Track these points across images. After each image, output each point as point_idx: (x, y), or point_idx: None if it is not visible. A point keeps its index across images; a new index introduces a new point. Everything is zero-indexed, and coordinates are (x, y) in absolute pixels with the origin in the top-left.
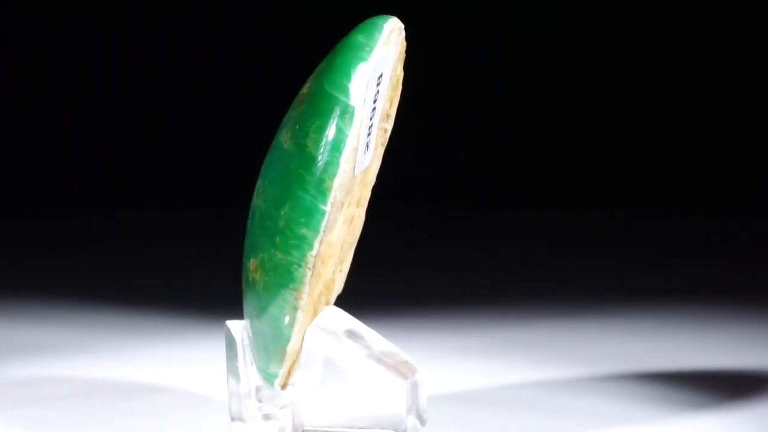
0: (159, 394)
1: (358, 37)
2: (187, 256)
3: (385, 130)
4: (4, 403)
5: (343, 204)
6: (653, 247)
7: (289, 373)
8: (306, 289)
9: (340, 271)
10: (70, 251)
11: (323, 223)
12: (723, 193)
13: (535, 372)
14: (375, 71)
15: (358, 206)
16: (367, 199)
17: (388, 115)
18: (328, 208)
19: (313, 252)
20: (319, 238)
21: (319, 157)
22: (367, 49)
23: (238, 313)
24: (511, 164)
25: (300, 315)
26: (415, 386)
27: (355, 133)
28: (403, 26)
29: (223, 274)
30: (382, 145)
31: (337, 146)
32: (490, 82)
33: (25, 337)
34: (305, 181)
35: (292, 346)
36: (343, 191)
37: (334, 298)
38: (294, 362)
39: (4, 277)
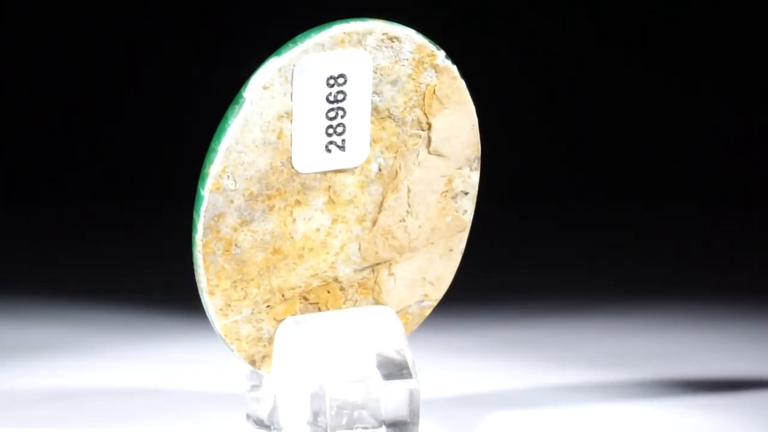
0: (159, 395)
1: (298, 36)
2: (188, 255)
3: (418, 135)
4: (3, 403)
5: (269, 198)
6: (654, 246)
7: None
8: (201, 272)
9: (390, 274)
10: (70, 250)
11: (203, 208)
12: (723, 191)
13: (535, 371)
14: (315, 72)
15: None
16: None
17: (419, 122)
18: (205, 193)
19: (198, 236)
20: (201, 223)
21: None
22: (291, 46)
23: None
24: (508, 160)
25: (206, 297)
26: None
27: (243, 124)
28: (405, 31)
29: None
30: (409, 148)
31: (218, 135)
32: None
33: (25, 337)
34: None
35: (218, 328)
36: (257, 183)
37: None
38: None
39: (3, 276)
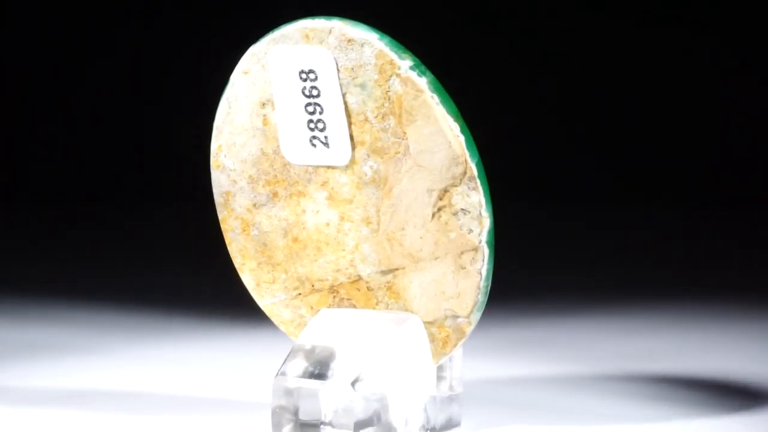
0: (159, 394)
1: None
2: (188, 255)
3: (398, 143)
4: (3, 403)
5: (269, 183)
6: (655, 246)
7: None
8: (229, 248)
9: (410, 282)
10: (70, 251)
11: (213, 185)
12: (723, 191)
13: (536, 371)
14: (286, 64)
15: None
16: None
17: (395, 130)
18: (211, 169)
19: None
20: (215, 199)
21: None
22: (265, 35)
23: (239, 313)
24: (508, 161)
25: (243, 276)
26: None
27: (228, 105)
28: (365, 34)
29: (224, 274)
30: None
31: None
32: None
33: (25, 337)
34: None
35: (261, 307)
36: (252, 167)
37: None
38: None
39: (3, 276)
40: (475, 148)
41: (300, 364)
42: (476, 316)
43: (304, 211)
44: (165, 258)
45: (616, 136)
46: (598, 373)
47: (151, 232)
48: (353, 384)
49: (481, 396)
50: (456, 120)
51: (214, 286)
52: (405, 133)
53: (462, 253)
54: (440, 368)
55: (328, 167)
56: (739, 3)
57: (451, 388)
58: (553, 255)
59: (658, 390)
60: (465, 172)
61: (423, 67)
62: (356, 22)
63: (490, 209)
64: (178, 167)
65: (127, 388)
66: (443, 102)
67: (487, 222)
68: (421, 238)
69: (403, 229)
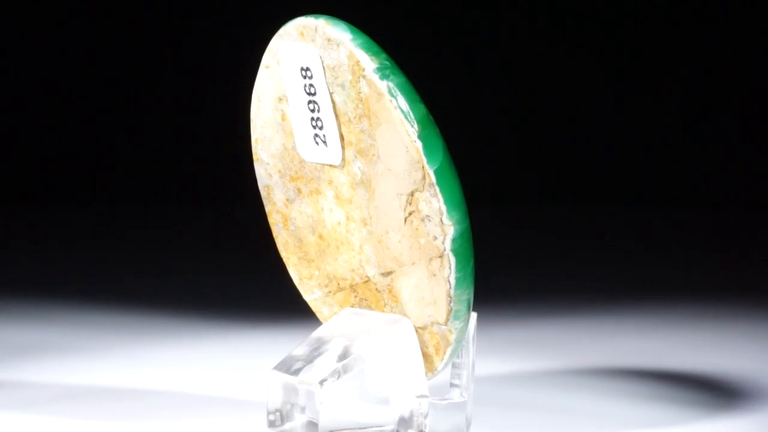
0: (159, 395)
1: None
2: (188, 255)
3: (372, 145)
4: (4, 403)
5: (293, 179)
6: (655, 245)
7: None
8: (278, 245)
9: (400, 285)
10: (71, 251)
11: (257, 180)
12: (723, 191)
13: (535, 371)
14: (291, 60)
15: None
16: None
17: (369, 132)
18: (254, 162)
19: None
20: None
21: None
22: (277, 32)
23: (238, 313)
24: (504, 161)
25: (288, 270)
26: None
27: (257, 98)
28: (341, 34)
29: (224, 274)
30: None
31: None
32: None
33: (25, 337)
34: None
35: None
36: (280, 162)
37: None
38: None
39: (3, 276)
40: (438, 154)
41: (290, 362)
42: (456, 324)
43: (322, 209)
44: (165, 258)
45: (616, 137)
46: (598, 373)
47: (150, 232)
48: (321, 383)
49: (481, 396)
50: (418, 124)
51: (216, 286)
52: (374, 135)
53: (431, 259)
54: (452, 375)
55: (331, 166)
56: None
57: (461, 395)
58: (553, 255)
59: (657, 390)
60: (424, 178)
61: (388, 70)
62: (338, 21)
63: (458, 216)
64: (181, 169)
65: (127, 388)
66: (402, 106)
67: (450, 230)
68: (399, 242)
69: (387, 232)
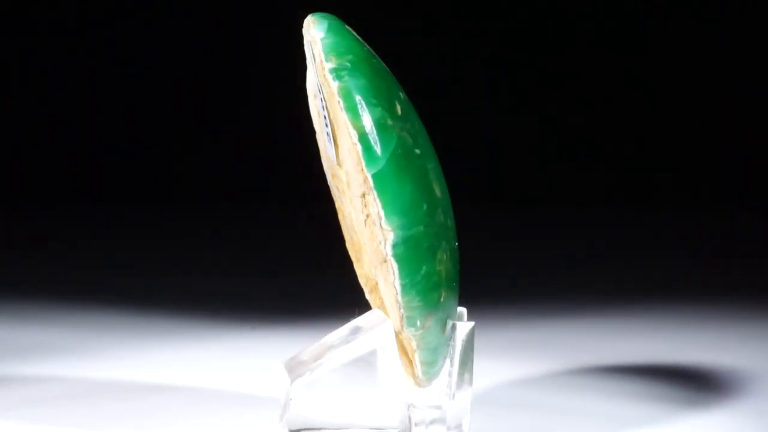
0: (159, 395)
1: None
2: (188, 255)
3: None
4: (5, 403)
5: (333, 176)
6: (656, 246)
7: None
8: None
9: (380, 290)
10: (71, 251)
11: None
12: (724, 191)
13: (534, 371)
14: (310, 61)
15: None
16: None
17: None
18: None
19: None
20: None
21: None
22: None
23: (238, 313)
24: (506, 163)
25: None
26: None
27: (311, 96)
28: (316, 33)
29: (224, 274)
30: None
31: None
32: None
33: (25, 337)
34: None
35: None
36: (325, 159)
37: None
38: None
39: (5, 277)
40: (379, 159)
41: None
42: (411, 331)
43: (352, 209)
44: (165, 259)
45: (615, 137)
46: (597, 373)
47: (151, 232)
48: (291, 381)
49: (481, 396)
50: (361, 128)
51: (216, 286)
52: (336, 136)
53: (381, 264)
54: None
55: (338, 165)
56: None
57: (439, 404)
58: (553, 255)
59: (657, 390)
60: (365, 181)
61: (345, 71)
62: (324, 17)
63: (401, 222)
64: (183, 169)
65: (128, 388)
66: (349, 108)
67: (390, 235)
68: (364, 245)
69: (362, 233)
